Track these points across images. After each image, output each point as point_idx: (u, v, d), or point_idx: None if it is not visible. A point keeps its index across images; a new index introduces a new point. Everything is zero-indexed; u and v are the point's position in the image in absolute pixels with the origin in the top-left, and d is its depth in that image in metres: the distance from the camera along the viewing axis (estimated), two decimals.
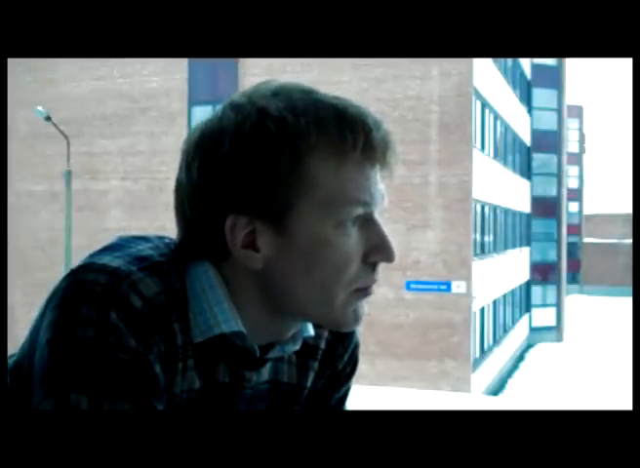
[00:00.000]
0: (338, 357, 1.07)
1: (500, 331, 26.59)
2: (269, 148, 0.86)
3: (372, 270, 0.91)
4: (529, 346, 33.95)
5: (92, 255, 0.89)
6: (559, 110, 36.51)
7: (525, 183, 33.04)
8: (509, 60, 27.71)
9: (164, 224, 18.25)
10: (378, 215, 0.91)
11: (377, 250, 0.90)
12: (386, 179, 0.93)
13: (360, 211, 0.88)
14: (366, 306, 0.93)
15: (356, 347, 1.10)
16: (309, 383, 1.05)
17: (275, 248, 0.88)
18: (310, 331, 0.99)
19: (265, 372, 0.98)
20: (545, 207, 35.89)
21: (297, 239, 0.87)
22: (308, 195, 0.87)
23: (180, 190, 0.92)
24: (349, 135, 0.87)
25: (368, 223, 0.90)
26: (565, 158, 38.59)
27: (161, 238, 0.96)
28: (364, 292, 0.91)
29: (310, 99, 0.89)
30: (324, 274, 0.88)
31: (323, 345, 1.05)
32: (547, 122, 35.67)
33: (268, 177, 0.86)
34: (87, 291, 0.83)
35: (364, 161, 0.89)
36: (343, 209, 0.87)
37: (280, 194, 0.87)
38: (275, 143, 0.86)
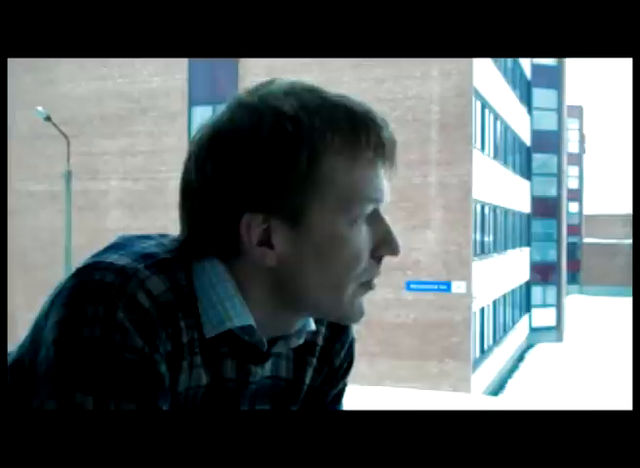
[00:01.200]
0: (335, 353, 1.08)
1: (500, 332, 26.59)
2: (288, 148, 0.87)
3: (377, 263, 0.94)
4: (529, 346, 33.95)
5: (97, 254, 0.89)
6: (559, 110, 36.50)
7: (525, 183, 33.04)
8: (509, 60, 27.70)
9: (164, 224, 18.22)
10: (382, 210, 0.94)
11: (383, 244, 0.93)
12: (390, 177, 0.95)
13: (371, 207, 0.91)
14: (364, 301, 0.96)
15: (352, 343, 1.11)
16: (308, 379, 1.05)
17: (290, 245, 0.90)
18: (312, 325, 1.00)
19: (267, 368, 0.99)
20: (545, 207, 35.88)
21: (311, 236, 0.89)
22: (324, 193, 0.89)
23: (191, 189, 0.92)
24: (362, 133, 0.89)
25: (375, 218, 0.92)
26: (565, 158, 38.60)
27: (163, 236, 0.96)
28: (368, 284, 0.94)
29: (319, 98, 0.90)
30: (337, 270, 0.90)
31: (320, 341, 1.06)
32: (547, 122, 35.66)
33: (286, 177, 0.88)
34: (94, 290, 0.83)
35: (375, 158, 0.91)
36: (357, 206, 0.90)
37: (297, 193, 0.88)
38: (293, 143, 0.87)
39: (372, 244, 0.92)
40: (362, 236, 0.91)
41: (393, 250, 0.93)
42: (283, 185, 0.88)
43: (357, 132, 0.89)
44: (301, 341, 0.99)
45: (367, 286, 0.94)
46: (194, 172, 0.91)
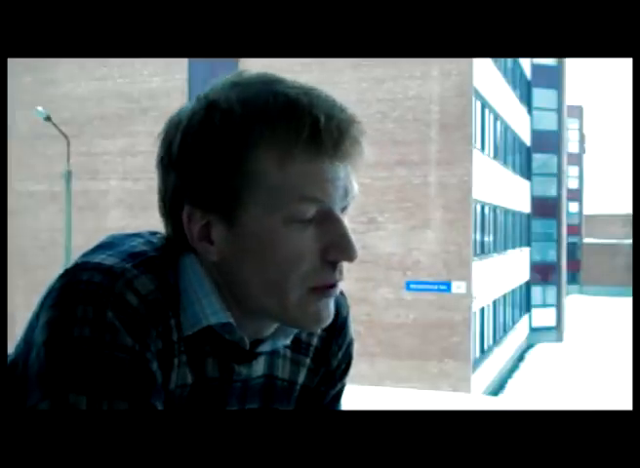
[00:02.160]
0: (332, 354, 1.07)
1: (500, 332, 26.58)
2: (213, 141, 0.86)
3: (332, 268, 0.88)
4: (529, 346, 33.94)
5: (85, 254, 0.89)
6: (559, 110, 36.50)
7: (525, 183, 33.04)
8: (509, 60, 27.70)
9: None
10: (338, 211, 0.88)
11: (334, 247, 0.87)
12: (355, 170, 0.89)
13: (311, 206, 0.86)
14: (331, 306, 0.91)
15: (350, 344, 1.10)
16: (300, 380, 1.05)
17: (228, 241, 0.88)
18: None
19: (260, 367, 0.98)
20: (545, 207, 35.88)
21: (246, 233, 0.87)
22: (254, 190, 0.86)
23: (157, 183, 0.93)
24: (293, 127, 0.84)
25: (327, 220, 0.87)
26: (565, 158, 38.59)
27: (153, 233, 0.96)
28: (323, 290, 0.89)
29: (265, 91, 0.87)
30: (274, 270, 0.87)
31: (315, 342, 1.05)
32: (547, 122, 35.65)
33: (214, 171, 0.86)
34: (82, 290, 0.83)
35: (312, 154, 0.85)
36: (291, 204, 0.85)
37: (227, 188, 0.86)
38: (218, 136, 0.86)
39: (322, 246, 0.86)
40: (302, 236, 0.86)
41: (346, 254, 0.87)
42: (212, 179, 0.86)
43: (289, 125, 0.84)
44: (288, 341, 0.98)
45: (322, 291, 0.88)
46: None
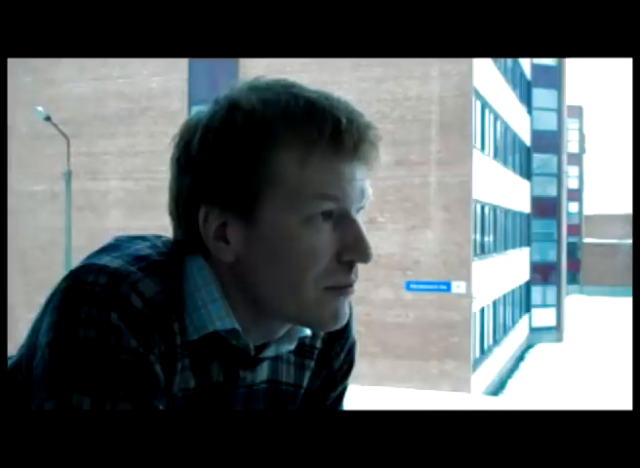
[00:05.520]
0: (334, 356, 1.07)
1: (500, 332, 26.58)
2: (234, 140, 0.86)
3: (347, 269, 0.89)
4: (529, 346, 33.94)
5: (90, 256, 0.89)
6: (559, 110, 36.48)
7: (525, 183, 33.04)
8: (509, 60, 27.70)
9: (164, 224, 18.12)
10: (355, 213, 0.89)
11: (351, 248, 0.88)
12: (370, 174, 0.91)
13: (330, 205, 0.87)
14: (347, 307, 0.91)
15: (352, 346, 1.10)
16: (305, 383, 1.05)
17: (244, 240, 0.88)
18: (306, 330, 0.99)
19: (263, 372, 0.98)
20: (545, 207, 35.86)
21: (263, 232, 0.87)
22: (274, 188, 0.86)
23: (170, 185, 0.93)
24: (315, 127, 0.85)
25: (343, 220, 0.88)
26: (565, 158, 38.57)
27: (158, 237, 0.96)
28: (339, 290, 0.89)
29: (286, 93, 0.88)
30: (290, 269, 0.87)
31: (319, 344, 1.05)
32: (547, 122, 35.63)
33: (234, 170, 0.87)
34: (87, 292, 0.83)
35: (332, 154, 0.86)
36: (309, 203, 0.86)
37: (247, 186, 0.87)
38: (240, 136, 0.86)
39: (338, 247, 0.87)
40: (319, 236, 0.86)
41: (362, 255, 0.88)
42: (232, 178, 0.87)
43: (309, 125, 0.85)
44: (293, 347, 0.98)
45: (338, 292, 0.89)
46: (170, 166, 0.93)
